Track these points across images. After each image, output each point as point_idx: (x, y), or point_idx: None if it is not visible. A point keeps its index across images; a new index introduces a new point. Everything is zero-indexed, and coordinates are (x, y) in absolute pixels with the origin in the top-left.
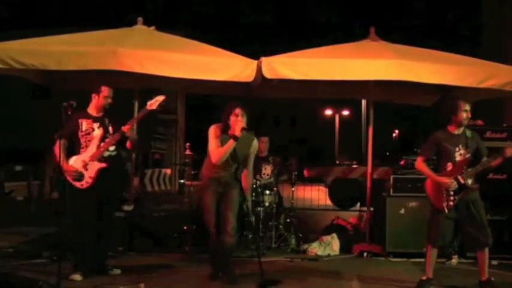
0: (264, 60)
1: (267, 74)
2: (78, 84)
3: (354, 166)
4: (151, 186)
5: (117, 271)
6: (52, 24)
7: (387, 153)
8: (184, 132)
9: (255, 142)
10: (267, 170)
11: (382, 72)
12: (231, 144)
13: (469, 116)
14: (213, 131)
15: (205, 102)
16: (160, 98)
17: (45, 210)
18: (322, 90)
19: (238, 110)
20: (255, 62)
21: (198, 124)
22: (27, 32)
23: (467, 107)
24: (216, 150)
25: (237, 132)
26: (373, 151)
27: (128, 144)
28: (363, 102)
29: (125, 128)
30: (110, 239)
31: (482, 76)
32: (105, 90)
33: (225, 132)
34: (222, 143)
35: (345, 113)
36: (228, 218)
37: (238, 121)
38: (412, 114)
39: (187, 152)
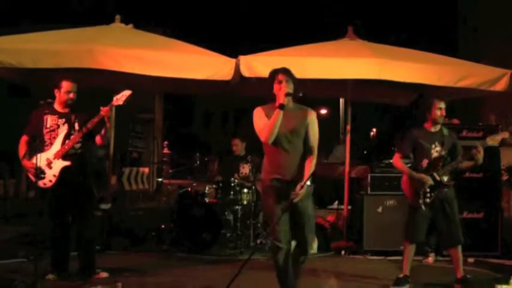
0: (242, 58)
1: (246, 72)
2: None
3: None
4: (129, 184)
5: (104, 274)
6: (33, 21)
7: (365, 152)
8: (162, 130)
9: (312, 114)
10: (245, 169)
11: (360, 71)
12: (277, 114)
13: (443, 113)
14: (257, 112)
15: (184, 100)
16: (126, 93)
17: (21, 209)
18: (304, 88)
19: (281, 76)
20: (233, 61)
21: (177, 122)
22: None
23: (442, 105)
24: (264, 126)
25: (282, 99)
26: (351, 150)
27: (98, 139)
28: (341, 101)
29: (103, 111)
30: (88, 238)
31: (459, 75)
32: (66, 85)
33: (273, 109)
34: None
35: (323, 111)
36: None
37: (282, 87)
38: (390, 113)
39: (165, 150)
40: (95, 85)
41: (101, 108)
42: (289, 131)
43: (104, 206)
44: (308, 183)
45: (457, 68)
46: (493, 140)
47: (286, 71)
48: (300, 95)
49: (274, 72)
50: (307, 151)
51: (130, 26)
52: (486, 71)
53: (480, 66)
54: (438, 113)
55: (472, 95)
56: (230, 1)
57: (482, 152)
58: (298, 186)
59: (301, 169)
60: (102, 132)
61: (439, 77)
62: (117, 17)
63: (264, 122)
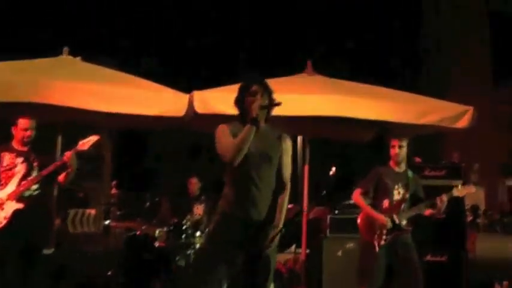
0: (196, 94)
1: (200, 108)
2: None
3: (289, 206)
4: (74, 227)
5: None
6: None
7: (324, 192)
8: (111, 168)
9: (288, 141)
10: (199, 210)
11: (318, 108)
12: (248, 129)
13: (400, 152)
14: (221, 130)
15: (136, 136)
16: (94, 138)
17: None
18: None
19: (255, 87)
20: (187, 96)
21: (128, 159)
22: None
23: (399, 143)
24: (230, 143)
25: (255, 113)
26: (309, 190)
27: (62, 177)
28: (299, 138)
29: (66, 157)
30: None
31: (419, 112)
32: (22, 123)
33: (242, 126)
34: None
35: None
36: None
37: (256, 100)
38: (348, 151)
39: (114, 190)
40: (42, 120)
41: (65, 153)
42: (260, 156)
43: (46, 251)
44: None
45: (417, 104)
46: (459, 192)
47: (261, 82)
48: (279, 103)
49: (247, 83)
50: (279, 186)
51: (79, 58)
52: (449, 107)
53: (443, 103)
54: (396, 151)
55: (434, 131)
56: (184, 34)
57: (445, 203)
58: (272, 235)
59: (272, 209)
60: (64, 174)
61: (400, 114)
62: (65, 49)
63: (230, 140)
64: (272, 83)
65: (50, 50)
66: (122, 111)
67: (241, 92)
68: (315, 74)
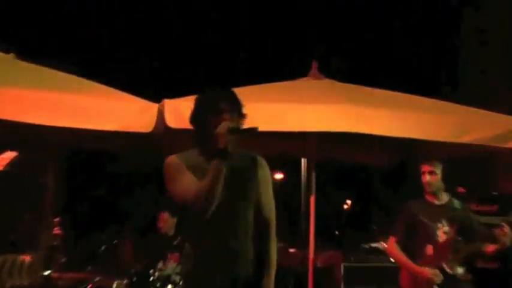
0: (168, 103)
1: (171, 122)
2: None
3: (290, 250)
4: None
5: None
6: None
7: (336, 232)
8: (55, 200)
9: (264, 165)
10: (173, 257)
11: (326, 121)
12: (218, 167)
13: (432, 180)
14: (172, 165)
15: (89, 158)
16: (10, 155)
17: None
18: (246, 145)
19: (221, 103)
20: (155, 106)
21: (77, 188)
22: None
23: (430, 168)
24: (193, 184)
25: (223, 141)
26: (316, 229)
27: None
28: (303, 162)
29: None
30: None
31: (458, 127)
32: None
33: (203, 156)
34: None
35: (278, 176)
36: None
37: (222, 121)
38: (365, 176)
39: (56, 230)
40: None
41: None
42: (233, 194)
43: None
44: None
45: (458, 117)
46: None
47: (227, 96)
48: (256, 130)
49: (210, 98)
50: (259, 227)
51: (12, 55)
52: (498, 121)
53: (490, 115)
54: (427, 178)
55: (479, 153)
56: (183, 34)
57: (510, 233)
58: None
59: (256, 261)
60: None
61: (432, 129)
62: None
63: (190, 180)
64: (267, 89)
65: None
66: (67, 124)
67: (201, 108)
68: (321, 77)
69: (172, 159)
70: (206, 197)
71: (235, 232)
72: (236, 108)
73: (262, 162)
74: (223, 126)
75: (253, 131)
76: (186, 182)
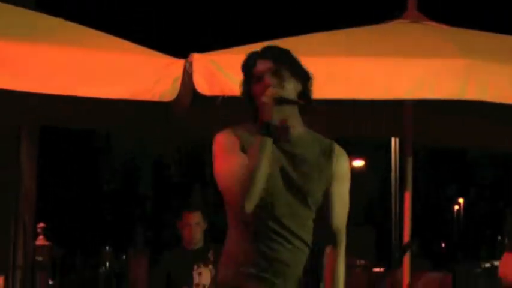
0: (197, 58)
1: (203, 86)
2: None
3: (374, 269)
4: None
5: None
6: None
7: (443, 245)
8: (35, 201)
9: (342, 155)
10: (204, 275)
11: (429, 84)
12: (261, 147)
13: None
14: (222, 141)
15: (80, 136)
16: None
17: None
18: (310, 121)
19: (261, 65)
20: (181, 63)
21: (65, 183)
22: None
23: None
24: (243, 168)
25: (268, 113)
26: (412, 238)
27: None
28: (393, 143)
29: None
30: None
31: None
32: None
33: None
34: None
35: (357, 163)
36: None
37: (266, 87)
38: (487, 163)
39: (40, 240)
40: None
41: None
42: (289, 188)
43: None
44: None
45: None
46: None
47: (273, 53)
48: (312, 104)
49: (248, 58)
50: (325, 240)
51: None
52: None
53: None
54: None
55: None
56: None
57: None
58: None
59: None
60: None
61: None
62: None
63: (237, 162)
64: (343, 35)
65: None
66: (60, 92)
67: (243, 74)
68: (424, 19)
69: (224, 134)
70: (245, 185)
71: (287, 237)
72: (286, 70)
73: (340, 152)
74: (267, 95)
75: (309, 101)
76: (231, 163)
